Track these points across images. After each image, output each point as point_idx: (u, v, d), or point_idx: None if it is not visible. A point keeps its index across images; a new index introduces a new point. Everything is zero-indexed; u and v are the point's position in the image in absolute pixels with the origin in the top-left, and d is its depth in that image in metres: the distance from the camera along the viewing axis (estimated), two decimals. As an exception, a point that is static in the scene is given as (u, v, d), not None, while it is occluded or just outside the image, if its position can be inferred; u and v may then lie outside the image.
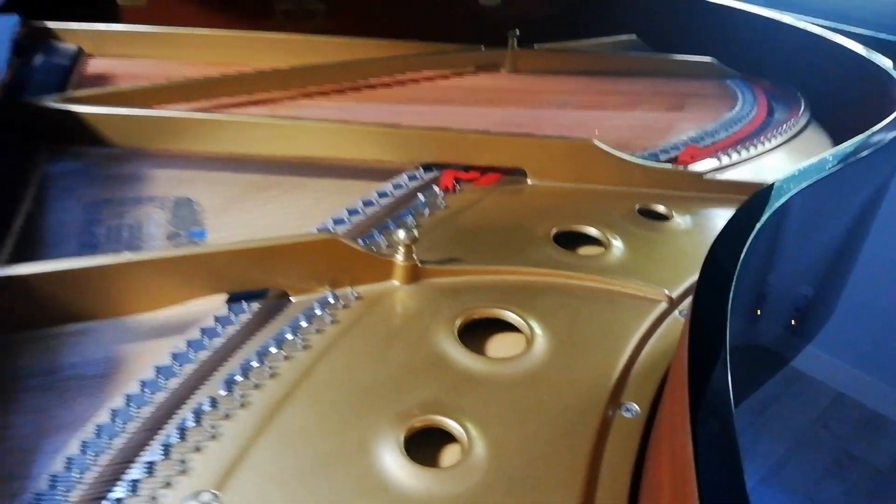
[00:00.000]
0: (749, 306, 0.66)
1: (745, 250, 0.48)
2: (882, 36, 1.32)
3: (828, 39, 1.02)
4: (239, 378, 0.46)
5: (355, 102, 0.92)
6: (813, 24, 1.39)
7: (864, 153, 0.68)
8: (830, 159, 0.64)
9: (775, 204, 0.55)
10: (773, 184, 0.57)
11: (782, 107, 0.99)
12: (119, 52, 0.98)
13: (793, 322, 0.90)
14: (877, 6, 1.45)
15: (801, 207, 0.60)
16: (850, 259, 0.97)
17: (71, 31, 0.97)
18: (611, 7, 1.24)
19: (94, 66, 0.95)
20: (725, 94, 1.02)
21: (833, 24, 1.37)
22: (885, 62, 0.94)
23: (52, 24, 0.96)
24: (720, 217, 0.72)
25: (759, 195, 0.55)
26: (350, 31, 1.13)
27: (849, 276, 1.00)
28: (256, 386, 0.46)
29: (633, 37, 1.18)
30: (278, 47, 1.00)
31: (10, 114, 0.73)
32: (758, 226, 0.50)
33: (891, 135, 0.73)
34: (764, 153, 0.84)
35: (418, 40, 1.12)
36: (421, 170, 0.74)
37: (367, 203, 0.67)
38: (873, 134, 0.71)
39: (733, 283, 0.45)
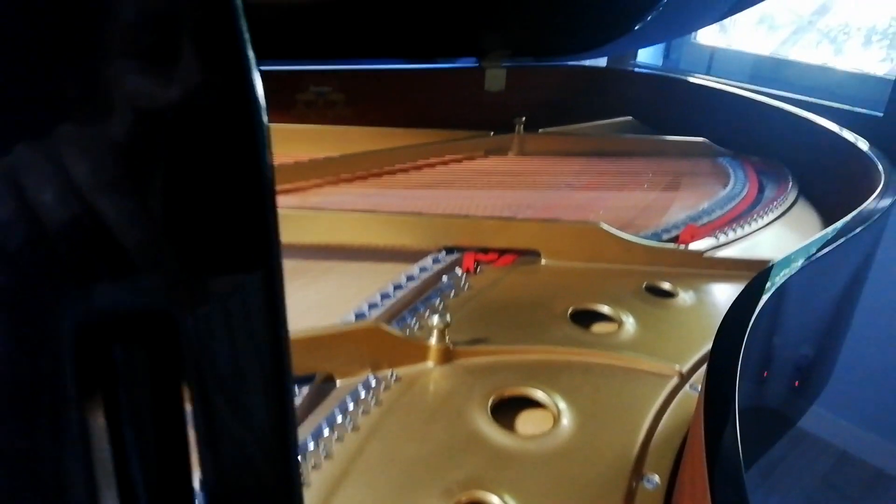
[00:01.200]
0: (756, 370, 0.71)
1: (748, 331, 0.54)
2: (860, 110, 1.42)
3: (811, 121, 1.11)
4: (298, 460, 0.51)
5: (378, 188, 0.99)
6: (797, 98, 1.49)
7: (850, 235, 0.74)
8: (821, 241, 0.71)
9: (775, 285, 0.61)
10: (770, 267, 0.63)
11: (772, 183, 1.06)
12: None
13: (796, 383, 0.95)
14: (855, 82, 1.56)
15: (797, 282, 0.66)
16: (846, 320, 1.03)
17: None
18: (608, 92, 1.34)
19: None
20: (718, 172, 1.10)
21: (815, 100, 1.47)
22: (863, 143, 1.02)
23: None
24: (721, 292, 0.78)
25: (759, 277, 0.61)
26: (368, 119, 1.22)
27: (845, 335, 1.05)
28: (314, 466, 0.50)
29: (630, 118, 1.27)
30: (302, 138, 1.08)
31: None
32: (758, 308, 0.56)
33: (877, 208, 0.80)
34: (757, 230, 0.91)
35: (431, 127, 1.21)
36: (444, 253, 0.81)
37: (398, 287, 0.73)
38: (858, 214, 0.78)
39: (740, 361, 0.51)
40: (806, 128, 1.12)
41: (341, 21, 1.23)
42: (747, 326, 0.54)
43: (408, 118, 1.26)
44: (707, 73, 1.69)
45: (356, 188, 0.98)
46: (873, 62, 2.57)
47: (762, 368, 0.73)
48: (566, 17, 1.32)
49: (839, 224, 0.76)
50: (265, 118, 0.21)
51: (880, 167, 0.93)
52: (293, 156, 1.00)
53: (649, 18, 1.25)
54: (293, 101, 1.20)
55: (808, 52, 2.56)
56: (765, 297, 0.59)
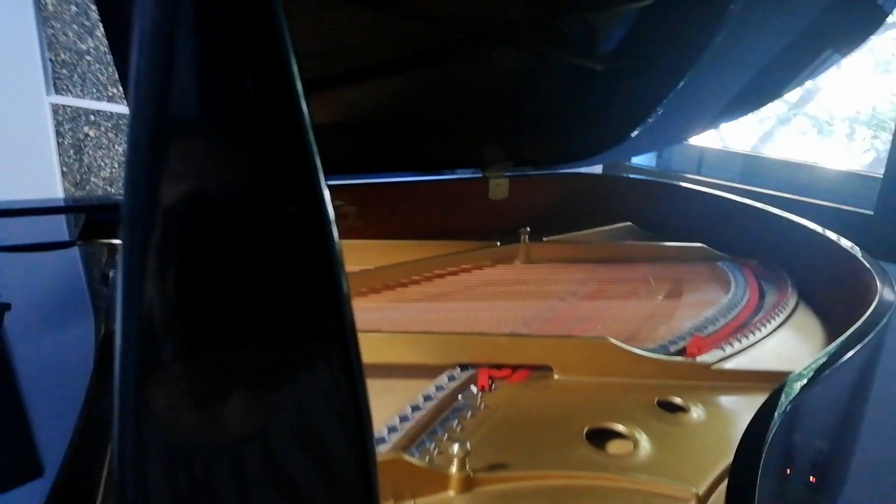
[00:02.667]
0: (772, 484, 0.72)
1: (764, 457, 0.55)
2: (851, 209, 1.48)
3: (804, 225, 1.16)
4: None
5: (391, 302, 1.02)
6: (788, 197, 1.55)
7: (860, 345, 0.77)
8: (830, 354, 0.73)
9: (788, 402, 0.63)
10: (781, 389, 0.65)
11: (772, 287, 1.10)
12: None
13: (811, 479, 0.95)
14: (843, 180, 1.62)
15: (808, 394, 0.68)
16: (859, 413, 1.03)
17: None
18: (605, 198, 1.40)
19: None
20: (719, 277, 1.13)
21: (806, 199, 1.53)
22: (854, 248, 1.07)
23: (116, 241, 1.08)
24: (732, 405, 0.80)
25: (770, 401, 0.63)
26: (378, 229, 1.27)
27: (860, 429, 1.06)
28: None
29: (629, 224, 1.33)
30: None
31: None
32: (773, 430, 0.58)
33: (881, 309, 0.84)
34: (762, 339, 0.93)
35: (440, 234, 1.26)
36: (458, 369, 0.83)
37: (415, 408, 0.75)
38: (865, 323, 0.81)
39: (758, 486, 0.52)
40: (800, 232, 1.16)
41: (353, 140, 1.31)
42: (762, 453, 0.56)
43: (417, 227, 1.31)
44: (698, 173, 1.76)
45: (370, 302, 1.02)
46: (857, 152, 2.68)
47: (778, 479, 0.74)
48: (563, 128, 1.40)
49: (848, 334, 0.78)
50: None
51: (875, 274, 0.97)
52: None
53: (642, 130, 1.33)
54: (306, 215, 1.25)
55: (793, 141, 2.67)
56: (778, 416, 0.61)
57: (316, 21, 1.16)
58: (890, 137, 1.48)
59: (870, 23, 1.24)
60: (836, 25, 1.30)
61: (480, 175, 1.38)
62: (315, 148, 0.32)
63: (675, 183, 1.38)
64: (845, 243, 1.10)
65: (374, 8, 1.14)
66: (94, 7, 1.14)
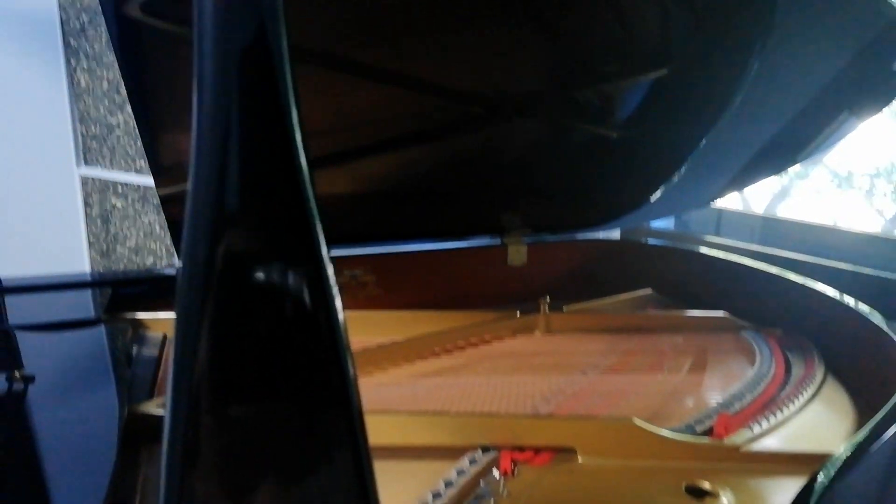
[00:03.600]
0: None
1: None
2: (875, 272, 1.46)
3: (823, 293, 1.14)
4: None
5: (409, 376, 1.02)
6: (809, 261, 1.54)
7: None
8: (865, 438, 0.71)
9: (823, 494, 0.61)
10: (818, 472, 0.64)
11: (798, 358, 1.08)
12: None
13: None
14: (863, 241, 1.61)
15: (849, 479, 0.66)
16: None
17: (155, 319, 1.10)
18: (624, 263, 1.40)
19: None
20: (743, 348, 1.12)
21: (828, 262, 1.52)
22: (873, 313, 1.05)
23: (140, 315, 1.10)
24: (763, 489, 0.77)
25: (807, 486, 0.62)
26: (397, 297, 1.28)
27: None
28: None
29: (649, 290, 1.32)
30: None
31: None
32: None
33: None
34: (792, 416, 0.91)
35: (458, 302, 1.27)
36: (480, 451, 0.81)
37: (437, 495, 0.74)
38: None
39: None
40: (819, 299, 1.15)
41: (373, 209, 1.32)
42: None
43: (436, 294, 1.32)
44: (717, 234, 1.76)
45: (389, 378, 1.01)
46: (878, 209, 2.66)
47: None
48: (581, 194, 1.41)
49: (885, 412, 0.76)
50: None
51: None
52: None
53: (659, 195, 1.33)
54: (327, 285, 1.26)
55: (812, 198, 2.66)
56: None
57: (339, 97, 1.20)
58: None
59: (888, 90, 1.25)
60: (854, 90, 1.31)
61: (499, 241, 1.39)
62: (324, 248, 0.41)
63: (695, 249, 1.37)
64: (863, 308, 1.09)
65: (395, 85, 1.17)
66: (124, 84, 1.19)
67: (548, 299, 1.19)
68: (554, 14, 1.18)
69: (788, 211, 2.58)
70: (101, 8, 0.99)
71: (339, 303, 0.42)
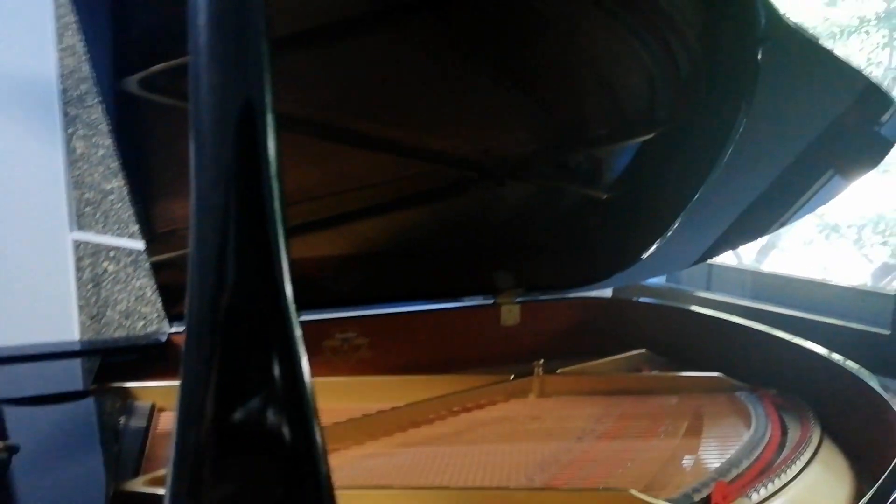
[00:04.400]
0: None
1: None
2: (866, 328, 1.46)
3: (812, 350, 1.15)
4: None
5: (402, 444, 1.00)
6: (801, 317, 1.54)
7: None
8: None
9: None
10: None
11: (793, 420, 1.07)
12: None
13: None
14: (854, 297, 1.62)
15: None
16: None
17: (144, 388, 1.08)
18: (617, 321, 1.40)
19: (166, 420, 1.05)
20: (738, 410, 1.11)
21: (819, 318, 1.53)
22: (861, 370, 1.06)
23: (128, 384, 1.08)
24: (763, 563, 0.76)
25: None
26: (391, 360, 1.27)
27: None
28: None
29: (643, 351, 1.32)
30: (327, 392, 1.12)
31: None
32: None
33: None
34: (789, 482, 0.90)
35: (452, 363, 1.26)
36: (475, 527, 0.80)
37: (431, 575, 0.72)
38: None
39: None
40: (810, 357, 1.15)
41: (366, 271, 1.33)
42: None
43: (429, 356, 1.31)
44: (707, 289, 1.77)
45: (381, 447, 1.00)
46: (867, 259, 2.69)
47: None
48: (573, 253, 1.42)
49: (883, 479, 0.76)
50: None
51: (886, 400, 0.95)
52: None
53: (650, 254, 1.34)
54: (321, 349, 1.26)
55: (800, 249, 2.69)
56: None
57: (335, 163, 1.22)
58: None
59: (874, 151, 1.28)
60: (839, 151, 1.34)
61: (492, 301, 1.39)
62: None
63: (686, 307, 1.38)
64: (851, 365, 1.09)
65: (389, 151, 1.19)
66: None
67: (542, 362, 1.18)
68: (543, 81, 1.22)
69: (778, 261, 2.60)
70: (97, 81, 1.01)
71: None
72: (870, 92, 1.17)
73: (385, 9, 1.02)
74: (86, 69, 1.43)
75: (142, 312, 1.62)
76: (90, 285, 1.64)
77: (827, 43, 2.43)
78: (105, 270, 1.62)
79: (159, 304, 1.17)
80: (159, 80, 1.01)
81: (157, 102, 1.02)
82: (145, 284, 1.59)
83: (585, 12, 1.10)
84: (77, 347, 1.18)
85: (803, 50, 1.09)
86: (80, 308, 1.67)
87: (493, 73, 1.14)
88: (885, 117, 1.22)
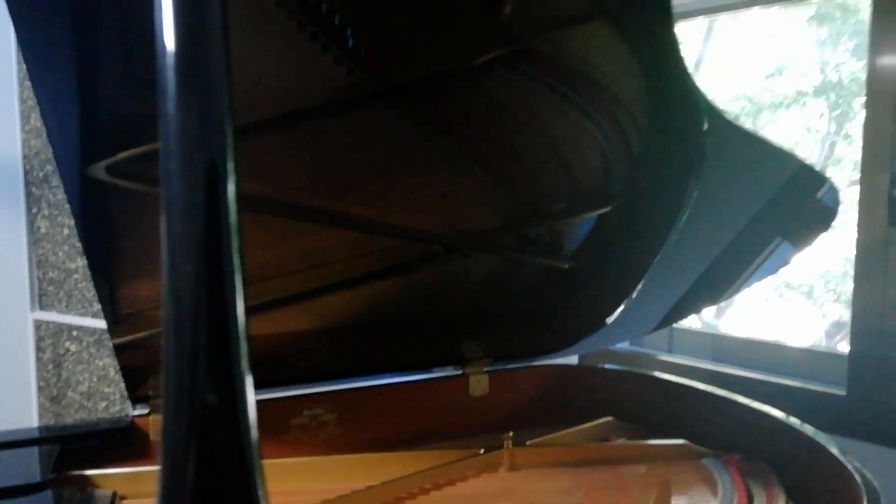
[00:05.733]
0: None
1: None
2: (823, 389, 1.51)
3: (770, 414, 1.18)
4: None
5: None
6: (759, 379, 1.59)
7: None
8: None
9: None
10: None
11: (758, 487, 1.09)
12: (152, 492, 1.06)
13: None
14: (810, 358, 1.67)
15: None
16: None
17: (105, 476, 1.05)
18: (584, 388, 1.42)
19: (128, 510, 1.02)
20: (704, 477, 1.13)
21: (777, 379, 1.57)
22: (818, 433, 1.09)
23: (88, 472, 1.05)
24: None
25: None
26: (359, 435, 1.26)
27: None
28: None
29: (610, 419, 1.33)
30: (293, 473, 1.10)
31: None
32: None
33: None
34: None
35: (420, 436, 1.26)
36: None
37: None
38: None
39: None
40: (769, 421, 1.18)
41: (332, 346, 1.33)
42: None
43: (399, 429, 1.31)
44: (669, 352, 1.81)
45: (352, 531, 0.98)
46: (818, 314, 2.78)
47: None
48: (538, 322, 1.44)
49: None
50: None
51: (846, 465, 0.98)
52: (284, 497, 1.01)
53: (615, 318, 1.38)
54: (287, 427, 1.24)
55: (757, 307, 2.76)
56: None
57: (300, 240, 1.24)
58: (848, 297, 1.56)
59: (818, 219, 1.35)
60: (786, 219, 1.41)
61: (460, 372, 1.40)
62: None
63: (650, 373, 1.41)
64: (808, 429, 1.12)
65: (354, 228, 1.22)
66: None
67: (511, 434, 1.19)
68: (503, 161, 1.27)
69: (736, 319, 2.67)
70: (59, 168, 1.02)
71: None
72: (804, 171, 1.26)
73: (347, 98, 1.06)
74: (51, 151, 1.44)
75: (104, 393, 1.58)
76: (51, 366, 1.60)
77: (770, 112, 2.58)
78: (67, 350, 1.59)
79: (122, 385, 1.16)
80: (125, 166, 1.02)
81: (123, 187, 1.04)
82: (108, 364, 1.56)
83: (541, 98, 1.16)
84: (35, 434, 1.15)
85: (741, 138, 1.17)
86: (40, 389, 1.63)
87: (455, 154, 1.19)
88: (820, 193, 1.30)
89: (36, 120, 1.54)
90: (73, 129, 1.01)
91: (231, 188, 0.45)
